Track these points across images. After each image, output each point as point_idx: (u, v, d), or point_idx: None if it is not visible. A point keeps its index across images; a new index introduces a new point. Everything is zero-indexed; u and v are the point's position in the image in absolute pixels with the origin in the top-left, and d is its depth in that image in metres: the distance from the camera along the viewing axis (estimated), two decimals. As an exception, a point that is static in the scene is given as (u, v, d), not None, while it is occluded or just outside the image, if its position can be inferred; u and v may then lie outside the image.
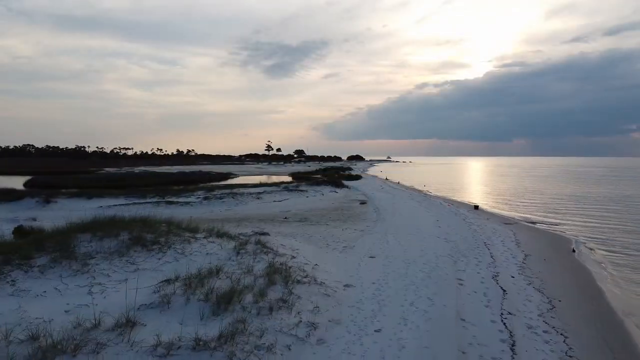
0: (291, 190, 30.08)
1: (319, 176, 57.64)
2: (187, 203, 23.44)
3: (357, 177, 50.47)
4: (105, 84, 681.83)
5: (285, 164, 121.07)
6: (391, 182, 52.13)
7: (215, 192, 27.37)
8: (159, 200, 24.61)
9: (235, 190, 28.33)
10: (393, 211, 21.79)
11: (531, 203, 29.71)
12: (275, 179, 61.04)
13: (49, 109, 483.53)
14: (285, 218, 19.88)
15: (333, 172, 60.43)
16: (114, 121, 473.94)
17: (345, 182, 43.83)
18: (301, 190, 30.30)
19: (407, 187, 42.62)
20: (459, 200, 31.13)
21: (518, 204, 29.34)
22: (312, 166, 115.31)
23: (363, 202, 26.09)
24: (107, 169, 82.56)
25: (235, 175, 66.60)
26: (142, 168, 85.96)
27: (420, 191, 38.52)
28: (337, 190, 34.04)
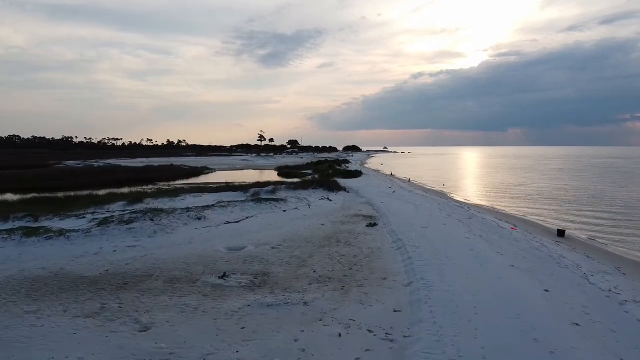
0: (262, 200, 19.90)
1: (309, 171, 47.52)
2: (61, 233, 13.19)
3: (357, 174, 40.41)
4: (98, 74, 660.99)
5: (275, 156, 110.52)
6: (399, 179, 42.06)
7: (134, 208, 17.23)
8: (26, 224, 14.43)
9: (165, 205, 18.16)
10: (433, 249, 11.70)
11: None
12: (255, 175, 50.88)
13: (42, 100, 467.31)
14: (224, 275, 9.74)
15: (326, 166, 50.26)
16: (107, 111, 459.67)
17: (342, 181, 33.73)
18: (277, 200, 20.13)
19: (425, 189, 32.59)
20: (516, 215, 21.18)
21: (615, 225, 19.40)
22: (305, 158, 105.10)
23: (372, 223, 16.02)
24: (67, 162, 71.84)
25: (211, 170, 56.31)
26: (109, 161, 75.37)
27: (445, 195, 28.54)
28: (331, 196, 23.93)
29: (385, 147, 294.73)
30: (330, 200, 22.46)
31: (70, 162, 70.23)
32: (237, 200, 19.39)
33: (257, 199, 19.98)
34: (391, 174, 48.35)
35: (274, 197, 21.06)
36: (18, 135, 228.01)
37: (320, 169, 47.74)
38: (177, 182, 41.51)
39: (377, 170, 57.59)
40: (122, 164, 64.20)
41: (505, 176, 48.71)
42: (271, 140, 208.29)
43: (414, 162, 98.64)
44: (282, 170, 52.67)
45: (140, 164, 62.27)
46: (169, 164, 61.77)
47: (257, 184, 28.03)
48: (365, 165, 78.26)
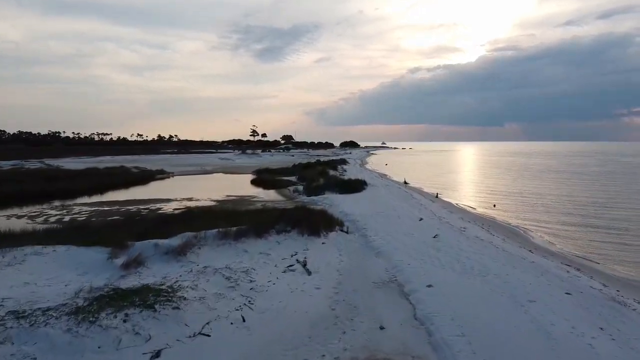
0: (110, 316, 7.18)
1: (293, 178, 34.87)
2: None
3: (359, 185, 27.65)
4: (95, 69, 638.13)
5: (263, 154, 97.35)
6: (419, 192, 29.53)
7: None
8: None
9: None
10: None
11: None
12: (224, 181, 38.28)
13: (38, 95, 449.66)
14: None
15: (317, 172, 37.25)
16: (104, 106, 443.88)
17: (338, 201, 21.45)
18: (158, 300, 7.43)
19: (477, 219, 20.12)
20: None
21: None
22: (297, 156, 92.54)
23: None
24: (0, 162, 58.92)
25: (168, 175, 43.61)
26: (60, 160, 62.54)
27: (523, 236, 16.09)
28: (312, 251, 11.43)
29: (383, 143, 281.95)
30: (309, 273, 9.90)
31: (3, 163, 57.32)
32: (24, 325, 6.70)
33: (94, 310, 7.26)
34: (405, 183, 35.81)
35: (164, 285, 8.44)
36: (4, 130, 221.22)
37: (309, 175, 35.06)
38: (105, 195, 29.08)
39: (384, 175, 45.00)
40: (65, 166, 51.51)
41: (560, 185, 35.64)
42: (264, 135, 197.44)
43: (421, 161, 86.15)
44: (261, 176, 40.01)
45: (84, 165, 49.65)
46: (119, 165, 49.02)
47: (182, 216, 15.41)
48: (367, 166, 65.67)
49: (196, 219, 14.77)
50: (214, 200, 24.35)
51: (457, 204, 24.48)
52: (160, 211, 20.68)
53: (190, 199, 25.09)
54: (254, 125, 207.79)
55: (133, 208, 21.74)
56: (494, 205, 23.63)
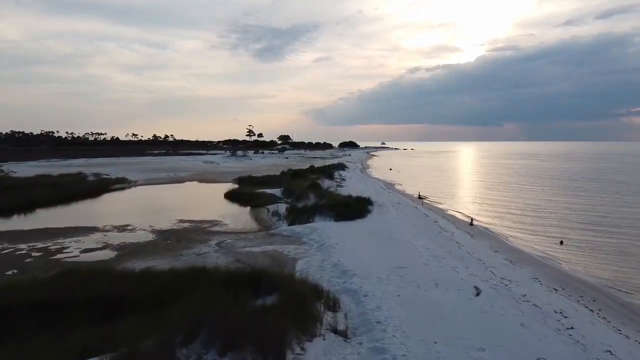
0: None
1: (278, 193, 27.40)
2: None
3: (362, 207, 20.08)
4: (94, 68, 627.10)
5: (254, 156, 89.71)
6: (443, 214, 22.14)
7: None
8: None
9: None
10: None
11: None
12: (197, 192, 31.03)
13: (37, 94, 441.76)
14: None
15: (308, 184, 29.50)
16: (103, 106, 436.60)
17: (332, 237, 14.17)
18: None
19: (546, 271, 12.68)
20: None
21: None
22: (291, 158, 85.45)
23: None
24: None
25: (128, 185, 36.21)
26: (18, 164, 55.28)
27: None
28: None
29: (383, 143, 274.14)
30: None
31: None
32: None
33: None
34: (420, 197, 28.48)
35: None
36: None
37: (297, 188, 27.51)
38: (30, 214, 21.90)
39: (391, 185, 37.53)
40: (19, 172, 44.18)
41: (623, 206, 26.59)
42: (260, 135, 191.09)
43: (426, 165, 78.57)
44: (240, 187, 32.58)
45: (37, 172, 42.29)
46: (76, 172, 41.56)
47: (39, 299, 7.99)
48: (369, 170, 58.30)
49: (49, 309, 7.44)
50: (156, 231, 17.00)
51: (508, 242, 16.88)
52: (56, 255, 13.37)
53: (124, 228, 17.70)
54: (250, 125, 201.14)
55: (24, 248, 14.37)
56: (561, 243, 16.26)
